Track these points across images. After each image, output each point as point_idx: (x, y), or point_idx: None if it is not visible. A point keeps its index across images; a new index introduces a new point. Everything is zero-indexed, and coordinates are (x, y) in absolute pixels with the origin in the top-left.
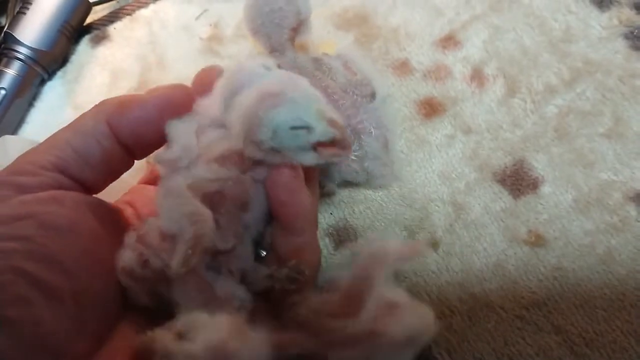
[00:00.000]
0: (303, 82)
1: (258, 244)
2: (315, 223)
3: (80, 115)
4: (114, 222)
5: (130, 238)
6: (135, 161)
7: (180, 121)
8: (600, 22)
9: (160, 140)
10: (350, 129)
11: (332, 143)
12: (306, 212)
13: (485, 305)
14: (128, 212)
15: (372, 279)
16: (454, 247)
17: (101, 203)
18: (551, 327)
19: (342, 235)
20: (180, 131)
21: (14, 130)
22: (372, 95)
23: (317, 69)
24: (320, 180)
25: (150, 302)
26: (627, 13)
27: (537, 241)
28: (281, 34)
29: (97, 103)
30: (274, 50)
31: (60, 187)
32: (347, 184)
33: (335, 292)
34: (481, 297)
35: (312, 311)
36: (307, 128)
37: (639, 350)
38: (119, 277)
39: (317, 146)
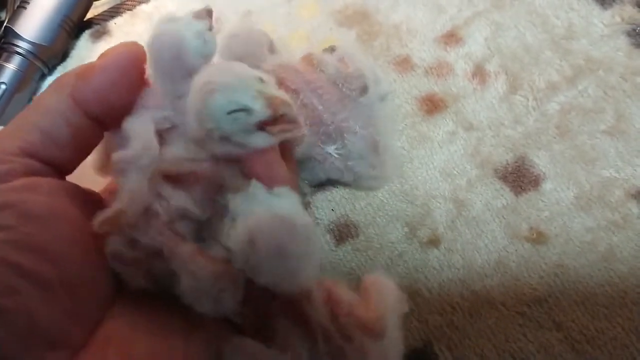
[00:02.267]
0: (240, 67)
1: None
2: None
3: (41, 94)
4: (95, 207)
5: None
6: None
7: (135, 117)
8: (603, 20)
9: (126, 103)
10: (333, 127)
11: (279, 120)
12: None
13: (487, 302)
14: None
15: None
16: (455, 243)
17: (79, 189)
18: (552, 323)
19: (343, 232)
20: (138, 128)
21: None
22: (364, 89)
23: (306, 63)
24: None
25: (146, 283)
26: (630, 10)
27: (538, 238)
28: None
29: (54, 80)
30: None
31: (32, 172)
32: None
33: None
34: (482, 294)
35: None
36: (245, 110)
37: (639, 347)
38: (110, 263)
39: (264, 126)
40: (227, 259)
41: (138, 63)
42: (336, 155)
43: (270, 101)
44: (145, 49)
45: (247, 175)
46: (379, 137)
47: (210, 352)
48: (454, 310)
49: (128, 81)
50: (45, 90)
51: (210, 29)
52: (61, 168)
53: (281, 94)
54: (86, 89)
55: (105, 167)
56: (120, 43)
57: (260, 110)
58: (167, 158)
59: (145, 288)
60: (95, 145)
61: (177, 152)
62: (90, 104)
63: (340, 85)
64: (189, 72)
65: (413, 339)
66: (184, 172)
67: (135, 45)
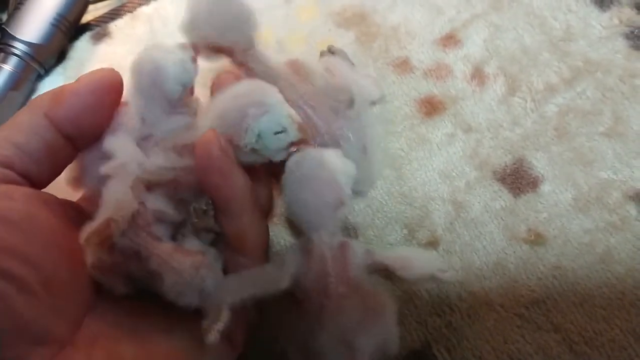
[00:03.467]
0: (273, 89)
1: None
2: (254, 205)
3: (17, 113)
4: (70, 214)
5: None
6: None
7: (114, 135)
8: (601, 22)
9: (99, 125)
10: (328, 136)
11: (299, 141)
12: (241, 194)
13: (485, 304)
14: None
15: None
16: (454, 245)
17: (55, 198)
18: (550, 325)
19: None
20: (120, 143)
21: None
22: (350, 103)
23: (294, 73)
24: None
25: (126, 288)
26: (628, 13)
27: (536, 240)
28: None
29: (30, 100)
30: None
31: (7, 181)
32: None
33: None
34: (481, 296)
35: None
36: (285, 132)
37: (637, 349)
38: (91, 274)
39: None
40: (201, 251)
41: (112, 89)
42: None
43: (300, 126)
44: (129, 71)
45: (202, 182)
46: (368, 141)
47: (193, 348)
48: (452, 312)
49: (100, 105)
50: (21, 110)
51: (193, 60)
52: (36, 181)
53: (300, 119)
54: (59, 109)
55: (78, 180)
56: (98, 68)
57: (294, 133)
58: (149, 168)
59: (126, 293)
60: (69, 163)
61: (157, 162)
62: (63, 123)
63: (329, 95)
64: (167, 96)
65: (411, 340)
66: (167, 180)
67: (110, 71)
